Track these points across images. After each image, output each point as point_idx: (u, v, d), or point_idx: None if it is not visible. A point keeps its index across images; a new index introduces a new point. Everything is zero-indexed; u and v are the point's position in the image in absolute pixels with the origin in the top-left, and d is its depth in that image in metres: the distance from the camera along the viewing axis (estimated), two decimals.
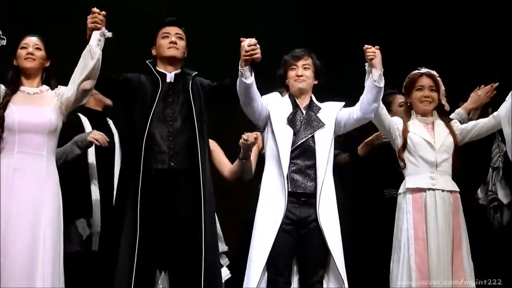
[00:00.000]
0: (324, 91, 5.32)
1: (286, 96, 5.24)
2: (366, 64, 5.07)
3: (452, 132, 5.40)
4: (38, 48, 4.87)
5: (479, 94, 5.76)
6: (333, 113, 5.16)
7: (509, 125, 5.22)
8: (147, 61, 5.15)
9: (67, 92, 4.82)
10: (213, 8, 7.05)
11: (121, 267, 4.72)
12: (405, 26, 7.27)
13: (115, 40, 6.66)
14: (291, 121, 5.07)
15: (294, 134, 5.04)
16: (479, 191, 6.21)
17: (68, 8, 6.67)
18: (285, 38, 7.06)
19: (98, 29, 4.78)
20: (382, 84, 5.02)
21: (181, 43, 5.16)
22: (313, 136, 5.04)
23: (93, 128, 5.42)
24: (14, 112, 4.70)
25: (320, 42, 7.17)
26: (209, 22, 6.97)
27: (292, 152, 4.99)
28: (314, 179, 4.96)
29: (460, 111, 5.79)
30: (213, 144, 5.62)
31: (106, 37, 4.81)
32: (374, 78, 5.00)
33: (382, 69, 5.03)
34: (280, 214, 4.89)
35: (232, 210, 6.01)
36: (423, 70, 5.47)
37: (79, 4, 6.71)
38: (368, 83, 5.06)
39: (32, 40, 4.89)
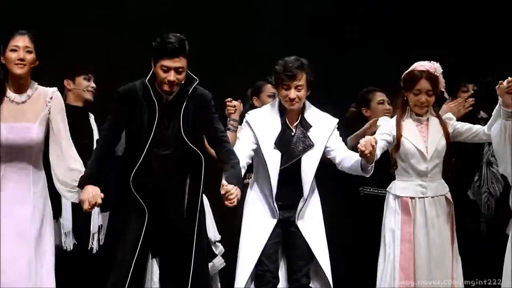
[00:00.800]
0: (324, 91, 5.32)
1: (276, 109, 5.09)
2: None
3: (446, 132, 5.28)
4: (29, 51, 4.61)
5: (451, 107, 5.68)
6: (324, 133, 5.06)
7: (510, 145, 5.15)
8: (146, 81, 4.74)
9: (52, 140, 4.64)
10: (213, 8, 7.04)
11: (121, 254, 4.70)
12: (404, 20, 7.27)
13: (114, 39, 6.69)
14: (279, 143, 5.00)
15: (283, 155, 4.99)
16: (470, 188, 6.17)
17: (65, 8, 6.66)
18: (285, 38, 7.07)
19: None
20: (368, 175, 4.95)
21: (182, 77, 4.73)
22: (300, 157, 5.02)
23: (73, 124, 5.27)
24: (3, 131, 4.51)
25: (320, 42, 7.17)
26: (209, 22, 6.96)
27: (280, 172, 4.98)
28: (298, 197, 5.01)
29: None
30: None
31: None
32: (364, 169, 4.91)
33: (374, 161, 4.88)
34: (268, 229, 4.97)
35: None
36: (424, 67, 5.27)
37: (76, 4, 6.76)
38: (358, 162, 4.92)
39: (23, 42, 4.61)
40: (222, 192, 4.60)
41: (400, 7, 7.24)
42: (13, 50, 4.59)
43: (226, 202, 4.62)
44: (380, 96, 6.02)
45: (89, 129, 5.63)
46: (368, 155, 4.74)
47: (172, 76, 4.66)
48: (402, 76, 5.31)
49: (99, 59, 6.09)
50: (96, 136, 5.62)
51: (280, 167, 4.97)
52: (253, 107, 6.03)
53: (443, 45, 7.09)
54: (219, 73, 6.70)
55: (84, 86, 5.75)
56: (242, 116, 5.94)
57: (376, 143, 4.80)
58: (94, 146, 5.53)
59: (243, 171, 4.87)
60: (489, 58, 6.68)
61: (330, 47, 7.13)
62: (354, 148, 5.66)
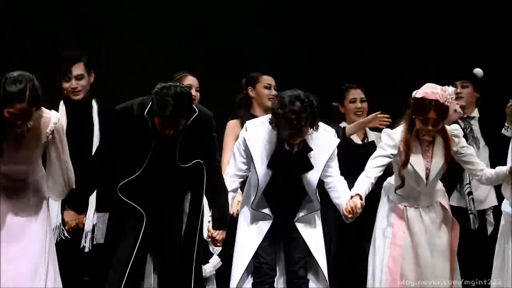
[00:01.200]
0: (324, 91, 5.31)
1: (274, 132, 4.96)
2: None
3: (448, 151, 5.18)
4: (27, 114, 4.35)
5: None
6: (324, 155, 4.99)
7: None
8: (145, 114, 4.57)
9: (49, 158, 4.59)
10: (213, 8, 7.04)
11: (119, 255, 4.71)
12: (404, 20, 7.28)
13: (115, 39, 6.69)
14: (275, 164, 4.96)
15: (277, 174, 4.98)
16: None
17: (65, 8, 6.66)
18: (285, 38, 7.07)
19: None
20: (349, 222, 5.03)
21: (180, 128, 4.60)
22: (300, 177, 5.00)
23: (73, 119, 5.11)
24: (1, 160, 4.46)
25: (320, 43, 7.18)
26: (209, 22, 6.96)
27: (275, 188, 5.00)
28: (297, 201, 5.05)
29: None
30: None
31: None
32: (344, 218, 4.99)
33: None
34: (263, 228, 5.01)
35: None
36: (435, 96, 5.02)
37: (76, 4, 6.76)
38: (341, 206, 4.96)
39: (20, 105, 4.31)
40: (207, 238, 4.90)
41: (400, 7, 7.24)
42: (11, 114, 4.34)
43: (212, 245, 5.00)
44: (352, 94, 5.99)
45: (88, 126, 5.55)
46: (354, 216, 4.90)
47: (170, 131, 4.57)
48: (412, 97, 5.12)
49: (99, 59, 6.08)
50: (96, 130, 5.53)
51: (273, 183, 4.98)
52: (247, 97, 5.94)
53: (442, 45, 7.10)
54: (218, 73, 6.70)
55: (65, 88, 5.55)
56: (236, 102, 5.96)
57: (362, 206, 4.88)
58: (94, 140, 5.50)
59: (234, 195, 5.03)
60: (488, 58, 6.69)
61: (330, 47, 7.13)
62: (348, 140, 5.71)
